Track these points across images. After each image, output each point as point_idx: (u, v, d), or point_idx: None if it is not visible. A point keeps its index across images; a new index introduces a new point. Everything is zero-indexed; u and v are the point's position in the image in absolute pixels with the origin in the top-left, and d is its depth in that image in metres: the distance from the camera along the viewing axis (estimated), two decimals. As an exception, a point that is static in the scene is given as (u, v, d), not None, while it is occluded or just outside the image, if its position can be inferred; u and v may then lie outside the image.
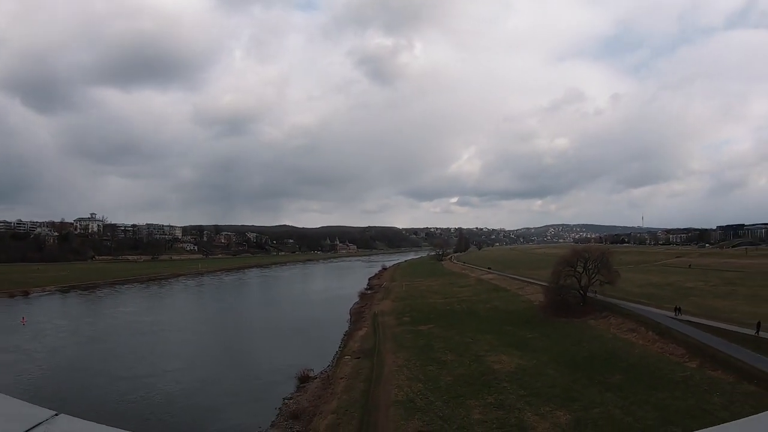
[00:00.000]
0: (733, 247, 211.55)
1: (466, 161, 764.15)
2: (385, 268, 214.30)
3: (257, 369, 58.39)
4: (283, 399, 47.31)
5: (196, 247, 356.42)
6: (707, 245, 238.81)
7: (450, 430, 33.53)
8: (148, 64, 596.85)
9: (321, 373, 54.74)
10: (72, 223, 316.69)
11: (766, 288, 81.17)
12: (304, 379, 52.75)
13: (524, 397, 38.89)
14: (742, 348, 46.10)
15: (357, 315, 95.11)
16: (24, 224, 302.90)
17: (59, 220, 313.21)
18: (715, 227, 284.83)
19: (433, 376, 45.91)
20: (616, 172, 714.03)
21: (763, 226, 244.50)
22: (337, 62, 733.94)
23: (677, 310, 62.89)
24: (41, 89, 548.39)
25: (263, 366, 59.62)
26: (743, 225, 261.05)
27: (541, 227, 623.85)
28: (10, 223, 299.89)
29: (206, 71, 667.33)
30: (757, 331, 49.48)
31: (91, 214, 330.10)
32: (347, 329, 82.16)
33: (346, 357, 58.60)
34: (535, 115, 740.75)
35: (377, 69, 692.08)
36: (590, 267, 77.30)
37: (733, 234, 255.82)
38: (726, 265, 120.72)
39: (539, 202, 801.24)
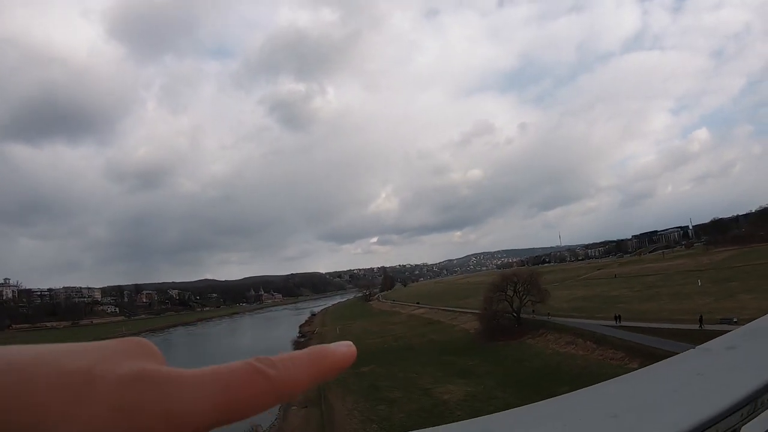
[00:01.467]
0: (650, 252, 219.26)
1: (384, 200, 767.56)
2: (314, 314, 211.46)
3: None
4: None
5: (117, 309, 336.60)
6: (625, 255, 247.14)
7: (412, 467, 32.73)
8: (58, 116, 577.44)
9: (270, 426, 52.80)
10: None
11: (686, 286, 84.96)
12: None
13: None
14: (676, 342, 47.18)
15: None
16: None
17: None
18: (630, 237, 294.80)
19: (385, 415, 45.15)
20: (529, 196, 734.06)
21: (675, 229, 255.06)
22: (249, 110, 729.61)
23: (617, 318, 64.21)
24: None
25: None
26: (656, 231, 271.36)
27: (463, 257, 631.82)
28: None
29: (118, 124, 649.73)
30: (701, 325, 51.04)
31: (5, 279, 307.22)
32: None
33: (293, 407, 56.81)
34: (448, 149, 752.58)
35: (290, 114, 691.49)
36: (520, 289, 78.53)
37: (648, 240, 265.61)
38: (646, 270, 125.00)
39: (458, 233, 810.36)
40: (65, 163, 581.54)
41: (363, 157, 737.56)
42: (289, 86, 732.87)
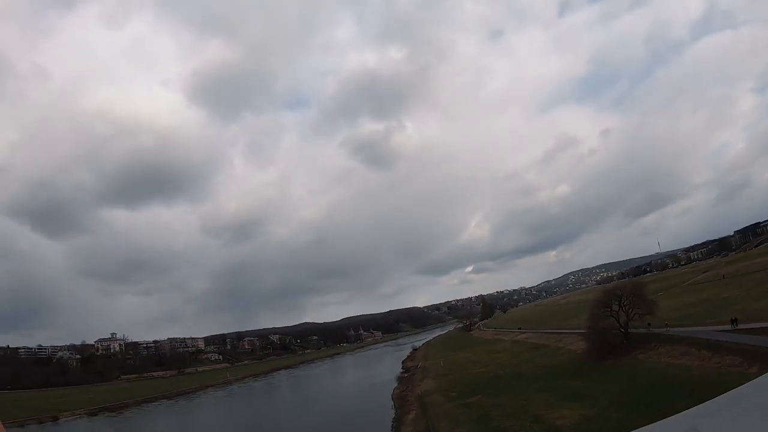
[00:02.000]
0: (755, 247, 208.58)
1: (475, 227, 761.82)
2: (415, 349, 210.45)
3: None
4: None
5: (220, 356, 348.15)
6: (730, 253, 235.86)
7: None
8: (151, 180, 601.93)
9: None
10: (93, 345, 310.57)
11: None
12: None
13: None
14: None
15: (401, 400, 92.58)
16: (45, 349, 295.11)
17: (80, 342, 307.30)
18: (732, 233, 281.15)
19: None
20: (621, 205, 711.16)
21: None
22: (333, 154, 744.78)
23: (734, 321, 61.54)
24: (49, 214, 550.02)
25: None
26: (759, 223, 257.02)
27: (560, 277, 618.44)
28: (31, 348, 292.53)
29: (208, 181, 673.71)
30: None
31: (112, 333, 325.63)
32: (394, 416, 79.83)
33: None
34: (533, 167, 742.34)
35: (373, 154, 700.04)
36: (625, 303, 76.16)
37: (753, 234, 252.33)
38: (754, 266, 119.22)
39: (553, 252, 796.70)
40: (162, 222, 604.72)
41: (449, 187, 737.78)
42: (369, 127, 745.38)
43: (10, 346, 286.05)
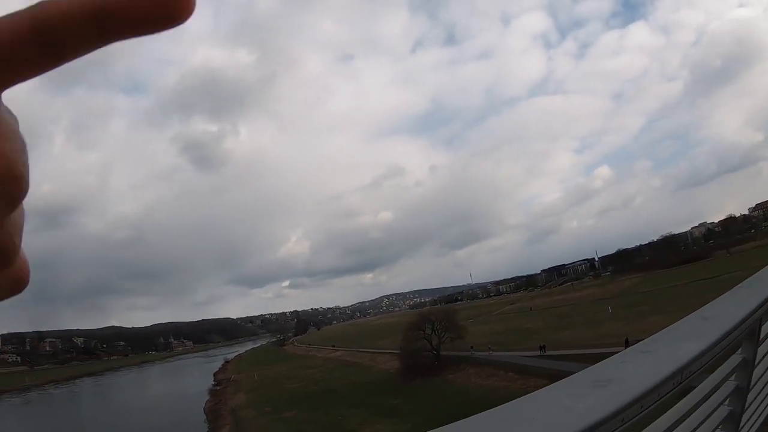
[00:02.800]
0: (559, 285, 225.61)
1: (295, 243, 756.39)
2: (227, 361, 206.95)
3: None
4: None
5: (19, 358, 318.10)
6: (535, 288, 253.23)
7: None
8: None
9: None
10: None
11: (597, 313, 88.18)
12: None
13: None
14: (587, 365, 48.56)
15: (213, 413, 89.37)
16: None
17: None
18: (539, 271, 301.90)
19: None
20: (439, 236, 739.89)
21: (582, 262, 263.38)
22: (161, 149, 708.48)
23: (542, 348, 65.51)
24: None
25: None
26: (564, 264, 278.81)
27: (375, 299, 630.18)
28: None
29: None
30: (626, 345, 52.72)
31: None
32: (207, 430, 77.33)
33: None
34: (359, 192, 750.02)
35: (202, 155, 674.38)
36: (438, 327, 79.17)
37: (557, 274, 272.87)
38: (557, 302, 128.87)
39: (370, 275, 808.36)
40: None
41: (274, 199, 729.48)
42: (202, 126, 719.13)
43: None
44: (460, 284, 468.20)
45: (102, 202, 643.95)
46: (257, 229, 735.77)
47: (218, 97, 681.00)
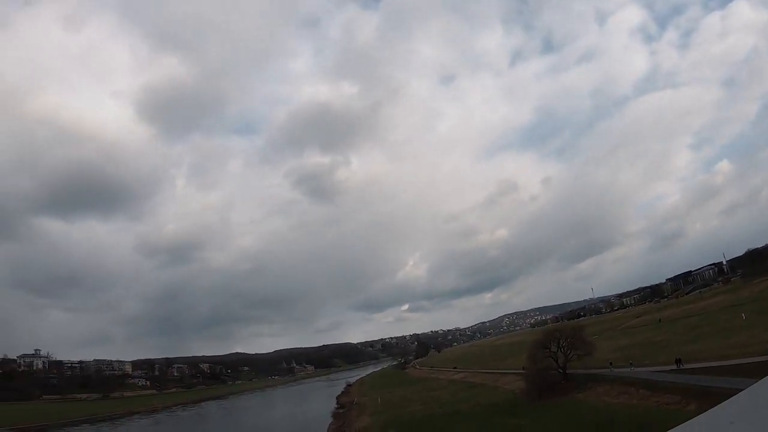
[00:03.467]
0: (686, 294, 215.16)
1: (413, 266, 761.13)
2: (349, 385, 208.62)
3: None
4: None
5: (147, 382, 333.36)
6: (662, 299, 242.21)
7: None
8: (90, 192, 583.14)
9: None
10: (15, 360, 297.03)
11: (730, 321, 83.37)
12: None
13: None
14: (730, 378, 45.79)
15: None
16: None
17: (0, 356, 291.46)
18: (664, 280, 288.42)
19: None
20: (558, 251, 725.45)
21: (709, 267, 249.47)
22: (276, 184, 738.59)
23: (678, 361, 62.39)
24: None
25: None
26: (690, 271, 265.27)
27: (495, 319, 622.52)
28: None
29: (149, 200, 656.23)
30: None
31: (36, 350, 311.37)
32: None
33: None
34: (474, 211, 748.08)
35: (316, 187, 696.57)
36: (564, 344, 76.85)
37: (683, 282, 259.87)
38: (686, 312, 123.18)
39: (489, 294, 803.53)
40: (97, 238, 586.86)
41: (390, 225, 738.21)
42: (315, 159, 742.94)
43: None
44: (582, 299, 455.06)
45: (225, 237, 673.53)
46: (375, 254, 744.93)
47: (327, 129, 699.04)
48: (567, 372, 75.14)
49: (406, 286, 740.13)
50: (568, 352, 75.58)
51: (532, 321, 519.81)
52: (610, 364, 75.45)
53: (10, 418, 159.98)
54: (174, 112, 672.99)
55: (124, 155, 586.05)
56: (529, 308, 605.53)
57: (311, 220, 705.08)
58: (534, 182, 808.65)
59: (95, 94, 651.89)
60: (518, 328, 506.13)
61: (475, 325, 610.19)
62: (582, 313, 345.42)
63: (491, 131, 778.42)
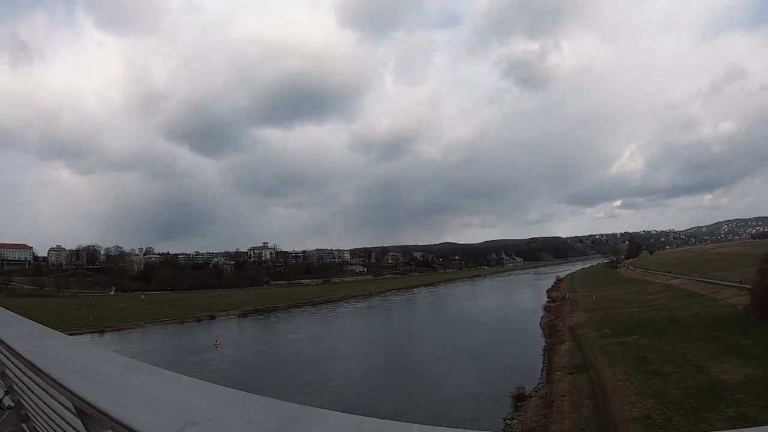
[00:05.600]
0: None
1: (628, 159, 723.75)
2: (559, 280, 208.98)
3: (462, 389, 57.81)
4: (504, 419, 46.78)
5: (364, 269, 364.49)
6: None
7: (700, 447, 33.20)
8: (304, 101, 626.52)
9: (535, 391, 54.51)
10: (246, 252, 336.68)
11: None
12: (519, 398, 51.62)
13: (765, 408, 37.63)
14: None
15: (550, 329, 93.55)
16: (202, 255, 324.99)
17: (234, 250, 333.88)
18: None
19: (660, 390, 44.91)
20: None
21: None
22: (485, 73, 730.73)
23: None
24: (206, 135, 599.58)
25: (468, 385, 59.14)
26: None
27: (712, 225, 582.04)
28: (189, 254, 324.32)
29: (360, 100, 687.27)
30: None
31: (264, 242, 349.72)
32: (544, 344, 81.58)
33: (557, 373, 58.16)
34: (696, 99, 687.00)
35: (526, 75, 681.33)
36: (801, 264, 72.54)
37: None
38: None
39: (709, 196, 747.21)
40: (314, 140, 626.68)
41: (604, 113, 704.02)
42: (522, 46, 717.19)
43: (170, 252, 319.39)
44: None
45: (436, 129, 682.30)
46: (588, 145, 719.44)
47: (533, 13, 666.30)
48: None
49: (620, 180, 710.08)
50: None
51: (753, 231, 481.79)
52: None
53: (243, 302, 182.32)
54: (373, 15, 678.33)
55: (330, 62, 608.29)
56: (752, 216, 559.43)
57: (523, 109, 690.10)
58: (765, 68, 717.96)
59: (295, 8, 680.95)
60: (737, 237, 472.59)
61: (691, 229, 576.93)
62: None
63: (716, 5, 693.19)
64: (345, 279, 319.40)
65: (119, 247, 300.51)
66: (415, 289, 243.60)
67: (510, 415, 48.05)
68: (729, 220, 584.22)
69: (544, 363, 68.16)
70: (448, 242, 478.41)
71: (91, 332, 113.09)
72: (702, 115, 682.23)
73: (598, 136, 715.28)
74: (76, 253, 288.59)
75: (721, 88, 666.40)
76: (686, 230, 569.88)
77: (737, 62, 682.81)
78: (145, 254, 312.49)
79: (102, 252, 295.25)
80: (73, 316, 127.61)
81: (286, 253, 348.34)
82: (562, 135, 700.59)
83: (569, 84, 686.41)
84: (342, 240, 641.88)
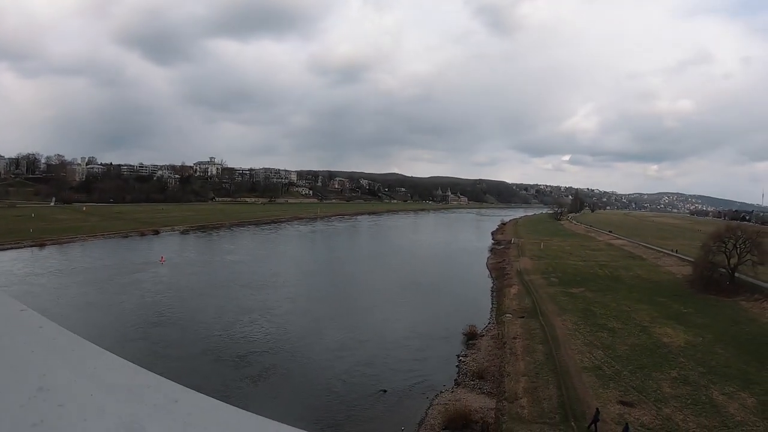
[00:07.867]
0: None
1: (582, 118, 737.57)
2: (504, 224, 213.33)
3: (410, 326, 57.73)
4: (458, 356, 47.61)
5: (310, 192, 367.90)
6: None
7: (648, 403, 35.07)
8: (264, 13, 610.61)
9: (486, 330, 55.24)
10: (192, 167, 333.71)
11: None
12: (471, 336, 52.67)
13: (705, 374, 39.05)
14: None
15: (498, 271, 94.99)
16: (146, 167, 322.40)
17: (179, 164, 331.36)
18: None
19: (608, 343, 46.64)
20: (739, 141, 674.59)
21: None
22: (455, 11, 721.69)
23: None
24: (159, 43, 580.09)
25: (417, 322, 59.08)
26: None
27: (654, 194, 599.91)
28: (133, 166, 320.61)
29: (322, 21, 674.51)
30: None
31: (210, 157, 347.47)
32: (492, 286, 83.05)
33: (507, 315, 59.73)
34: (660, 74, 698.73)
35: (496, 19, 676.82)
36: (741, 246, 75.98)
37: None
38: None
39: (655, 167, 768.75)
40: (271, 57, 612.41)
41: (566, 70, 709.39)
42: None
43: (113, 163, 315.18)
44: (749, 203, 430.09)
45: (397, 62, 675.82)
46: (546, 98, 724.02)
47: None
48: (735, 275, 74.87)
49: (572, 136, 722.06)
50: (744, 254, 74.85)
51: (692, 207, 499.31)
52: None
53: (190, 217, 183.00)
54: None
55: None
56: (692, 194, 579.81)
57: (487, 53, 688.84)
58: (732, 58, 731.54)
59: None
60: (675, 210, 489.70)
61: (633, 194, 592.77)
62: (747, 217, 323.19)
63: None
64: (290, 200, 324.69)
65: (61, 156, 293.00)
66: (359, 217, 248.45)
67: (463, 352, 49.01)
68: (670, 193, 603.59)
69: (492, 304, 69.57)
70: (395, 173, 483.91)
71: (31, 245, 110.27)
72: (662, 90, 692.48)
73: (556, 92, 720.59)
74: (15, 162, 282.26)
75: (686, 68, 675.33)
76: (628, 194, 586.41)
77: (707, 47, 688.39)
78: (87, 164, 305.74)
79: (42, 161, 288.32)
80: (11, 229, 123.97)
81: (232, 169, 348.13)
82: (522, 85, 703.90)
83: (537, 36, 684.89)
84: (290, 161, 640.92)
